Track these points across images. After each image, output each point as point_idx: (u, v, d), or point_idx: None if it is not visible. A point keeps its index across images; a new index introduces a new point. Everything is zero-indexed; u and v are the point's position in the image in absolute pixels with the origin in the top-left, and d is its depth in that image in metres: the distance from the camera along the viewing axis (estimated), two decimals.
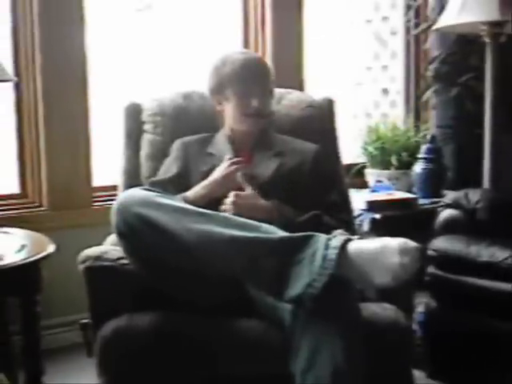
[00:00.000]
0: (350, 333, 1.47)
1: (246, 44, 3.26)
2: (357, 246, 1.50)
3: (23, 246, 1.99)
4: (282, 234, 1.57)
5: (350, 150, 3.20)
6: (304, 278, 1.46)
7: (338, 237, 1.52)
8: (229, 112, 2.06)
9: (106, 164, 2.82)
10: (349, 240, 1.51)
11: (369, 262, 1.47)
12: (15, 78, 2.44)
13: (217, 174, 1.93)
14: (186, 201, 1.79)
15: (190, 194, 1.90)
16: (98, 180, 2.84)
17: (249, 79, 2.01)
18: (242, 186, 1.89)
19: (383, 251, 1.47)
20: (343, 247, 1.49)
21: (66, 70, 2.68)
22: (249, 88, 2.01)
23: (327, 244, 1.49)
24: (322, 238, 1.52)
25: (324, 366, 1.42)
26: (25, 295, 1.97)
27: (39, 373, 2.00)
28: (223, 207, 1.83)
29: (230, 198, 1.83)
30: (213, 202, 1.85)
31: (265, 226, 1.59)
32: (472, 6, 2.69)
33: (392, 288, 1.50)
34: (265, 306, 1.63)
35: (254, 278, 1.57)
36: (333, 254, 1.47)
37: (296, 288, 1.47)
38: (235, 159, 1.95)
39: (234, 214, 1.75)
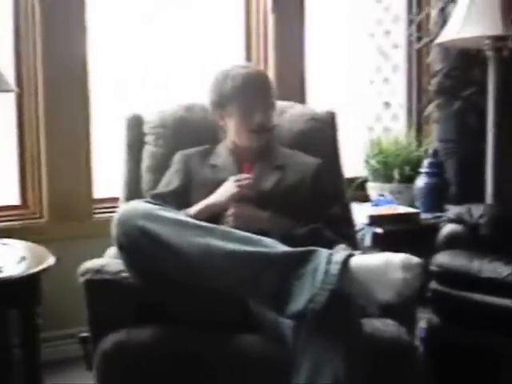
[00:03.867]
0: (352, 349, 1.45)
1: (249, 56, 3.26)
2: (359, 261, 1.49)
3: (23, 258, 1.98)
4: (283, 248, 1.56)
5: (353, 163, 3.19)
6: (306, 292, 1.45)
7: (340, 252, 1.51)
8: (231, 127, 2.05)
9: (108, 176, 2.81)
10: (351, 255, 1.50)
11: (371, 278, 1.46)
12: (17, 89, 2.43)
13: (220, 192, 1.92)
14: (188, 215, 1.78)
15: (192, 209, 1.90)
16: (99, 192, 2.84)
17: (251, 95, 2.00)
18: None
19: (386, 267, 1.46)
20: (345, 262, 1.48)
21: (68, 81, 2.68)
22: (251, 104, 2.00)
23: (329, 259, 1.48)
24: (323, 252, 1.51)
25: (325, 383, 1.40)
26: (25, 307, 1.95)
27: None
28: (225, 219, 1.84)
29: (231, 210, 1.85)
30: (214, 216, 1.84)
31: (266, 240, 1.58)
32: (474, 20, 2.68)
33: (394, 304, 1.49)
34: (267, 322, 1.61)
35: (255, 293, 1.56)
36: (335, 269, 1.46)
37: (298, 303, 1.45)
38: (239, 177, 1.94)
39: (234, 226, 1.76)
